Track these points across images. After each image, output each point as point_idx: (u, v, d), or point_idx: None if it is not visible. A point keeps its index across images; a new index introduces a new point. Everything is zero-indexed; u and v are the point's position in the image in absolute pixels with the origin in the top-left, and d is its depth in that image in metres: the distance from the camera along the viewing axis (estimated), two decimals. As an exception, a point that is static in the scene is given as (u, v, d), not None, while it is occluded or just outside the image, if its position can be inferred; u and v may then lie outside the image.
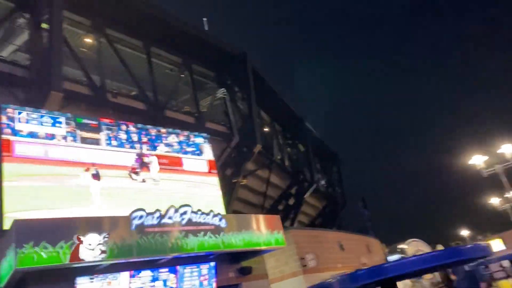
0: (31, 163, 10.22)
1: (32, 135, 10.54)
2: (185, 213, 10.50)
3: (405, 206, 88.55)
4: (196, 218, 10.64)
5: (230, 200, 19.75)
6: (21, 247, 7.78)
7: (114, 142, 12.09)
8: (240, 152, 20.40)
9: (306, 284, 14.91)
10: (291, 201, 27.63)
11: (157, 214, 9.96)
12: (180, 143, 13.82)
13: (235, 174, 20.32)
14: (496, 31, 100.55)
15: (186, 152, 13.84)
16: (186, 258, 11.02)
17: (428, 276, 17.12)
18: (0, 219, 9.31)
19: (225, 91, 21.19)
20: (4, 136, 10.11)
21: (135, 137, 12.66)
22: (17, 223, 8.13)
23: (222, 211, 13.56)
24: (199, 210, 10.80)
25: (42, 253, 7.97)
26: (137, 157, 12.44)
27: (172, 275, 11.06)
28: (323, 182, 34.64)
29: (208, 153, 14.55)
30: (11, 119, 10.38)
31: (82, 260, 8.44)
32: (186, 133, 14.26)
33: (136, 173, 12.15)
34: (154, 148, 13.04)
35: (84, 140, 11.44)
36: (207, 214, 10.92)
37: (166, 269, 10.94)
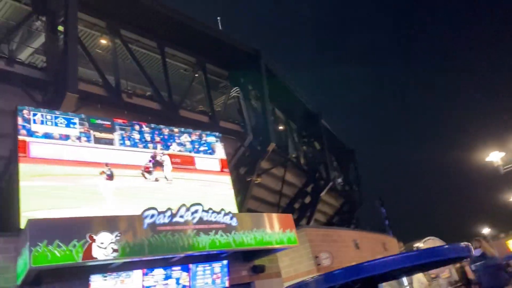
0: (46, 164, 10.47)
1: (47, 136, 10.79)
2: (196, 211, 10.60)
3: (423, 204, 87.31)
4: (207, 216, 10.74)
5: (244, 198, 19.81)
6: (35, 246, 7.99)
7: (127, 142, 12.28)
8: (254, 151, 20.39)
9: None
10: (307, 200, 27.48)
11: (169, 213, 10.08)
12: (192, 142, 13.94)
13: (249, 173, 20.33)
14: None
15: (198, 151, 13.96)
16: (198, 256, 11.13)
17: (445, 275, 16.90)
18: (17, 219, 9.57)
19: (238, 89, 21.23)
20: (20, 137, 10.38)
21: (148, 137, 12.84)
22: (31, 222, 8.34)
23: (234, 209, 13.65)
24: (210, 208, 10.89)
25: (56, 252, 8.17)
26: (151, 157, 12.60)
27: (184, 273, 11.19)
28: (339, 180, 34.38)
29: (220, 152, 14.64)
30: (27, 120, 10.65)
31: (95, 258, 8.62)
32: (198, 132, 14.38)
33: (149, 172, 12.32)
34: (167, 147, 13.19)
35: (98, 140, 11.66)
36: (218, 212, 11.01)
37: (179, 267, 11.08)
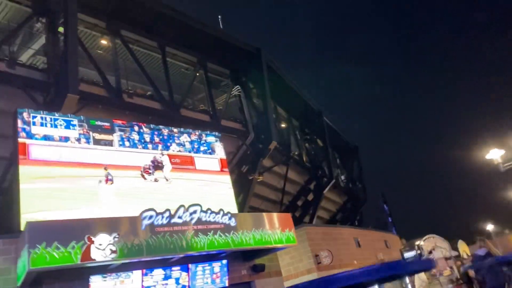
0: (46, 166, 10.57)
1: (46, 138, 10.88)
2: (194, 212, 10.67)
3: (427, 201, 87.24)
4: (205, 217, 10.81)
5: (247, 197, 19.88)
6: (34, 248, 8.10)
7: (127, 143, 12.36)
8: (256, 149, 20.44)
9: (320, 281, 14.92)
10: (310, 197, 27.53)
11: (167, 214, 10.16)
12: (192, 142, 14.01)
13: (251, 171, 20.39)
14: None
15: (198, 151, 14.02)
16: (198, 256, 11.20)
17: (447, 273, 16.89)
18: (18, 220, 9.68)
19: (239, 88, 21.26)
20: (20, 140, 10.48)
21: (147, 138, 12.91)
22: (29, 225, 8.45)
23: (234, 209, 13.72)
24: (208, 209, 10.96)
25: (54, 254, 8.27)
26: (151, 161, 12.65)
27: (184, 273, 11.28)
28: (343, 177, 34.39)
29: (220, 151, 14.70)
30: (27, 122, 10.74)
31: (93, 260, 8.71)
32: (198, 132, 14.44)
33: (149, 173, 12.39)
34: (167, 147, 13.26)
35: (97, 142, 11.74)
36: (217, 213, 11.07)
37: (178, 268, 11.18)
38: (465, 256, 17.33)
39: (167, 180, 12.64)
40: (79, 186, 10.86)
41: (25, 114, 10.85)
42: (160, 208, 10.27)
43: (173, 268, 11.09)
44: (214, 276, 11.90)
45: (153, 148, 12.88)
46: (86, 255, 8.65)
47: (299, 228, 16.56)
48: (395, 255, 19.14)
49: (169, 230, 10.06)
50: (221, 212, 11.17)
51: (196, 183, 13.36)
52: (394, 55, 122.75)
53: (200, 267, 11.61)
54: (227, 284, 12.11)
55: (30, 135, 10.64)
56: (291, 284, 14.60)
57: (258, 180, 20.80)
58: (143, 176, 12.23)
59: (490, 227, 44.85)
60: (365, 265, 17.26)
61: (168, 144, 13.35)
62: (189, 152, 13.78)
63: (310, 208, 27.22)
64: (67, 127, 11.36)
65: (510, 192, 26.70)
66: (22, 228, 9.16)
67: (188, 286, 11.27)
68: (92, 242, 8.80)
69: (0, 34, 14.56)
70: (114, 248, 9.02)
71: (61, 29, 14.43)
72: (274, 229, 12.22)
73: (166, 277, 10.94)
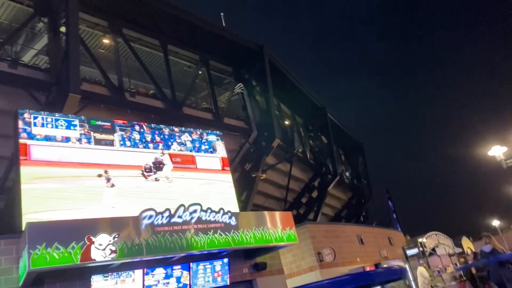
0: (47, 166, 10.63)
1: (47, 138, 10.94)
2: (194, 211, 10.71)
3: (432, 197, 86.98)
4: (205, 216, 10.84)
5: (250, 195, 19.88)
6: (34, 249, 8.17)
7: (128, 143, 12.40)
8: (259, 147, 20.43)
9: (322, 278, 14.93)
10: (315, 194, 27.49)
11: (167, 214, 10.20)
12: (193, 141, 14.02)
13: (255, 169, 20.39)
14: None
15: (199, 150, 14.04)
16: (199, 255, 11.25)
17: (450, 270, 16.82)
18: (19, 221, 9.77)
19: (242, 86, 21.23)
20: (21, 141, 10.55)
21: (148, 137, 12.94)
22: (30, 225, 8.52)
23: (236, 207, 13.74)
24: (208, 208, 10.99)
25: (54, 254, 8.34)
26: (152, 163, 12.68)
27: (185, 272, 11.33)
28: (347, 173, 34.29)
29: (221, 150, 14.71)
30: (28, 123, 10.81)
31: (93, 260, 8.78)
32: (199, 131, 14.45)
33: (150, 172, 12.43)
34: (168, 147, 13.29)
35: (98, 142, 11.79)
36: (217, 212, 11.10)
37: (179, 266, 11.23)
38: (469, 252, 17.23)
39: (168, 179, 12.67)
40: (81, 186, 10.92)
41: (26, 115, 10.91)
42: (161, 207, 10.33)
43: (174, 267, 11.14)
44: (216, 274, 11.94)
45: (154, 148, 12.92)
46: (86, 255, 8.71)
47: (301, 226, 16.58)
48: (399, 252, 19.10)
49: (169, 229, 10.11)
50: (221, 211, 11.19)
51: (198, 182, 13.39)
52: (397, 53, 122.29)
53: (201, 266, 11.66)
54: (228, 283, 12.15)
55: (31, 136, 10.70)
56: (294, 282, 14.62)
57: (262, 178, 20.80)
58: (144, 175, 12.27)
59: (496, 223, 44.69)
60: (368, 262, 17.28)
61: (169, 143, 13.37)
62: (190, 151, 13.80)
63: (315, 205, 27.17)
64: (68, 127, 11.42)
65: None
66: (23, 228, 9.24)
67: (190, 285, 11.32)
68: (92, 242, 8.86)
69: (2, 34, 14.66)
70: (114, 248, 9.07)
71: (63, 29, 14.46)
72: (275, 227, 12.23)
73: (167, 276, 10.99)
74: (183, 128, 14.14)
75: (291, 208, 25.21)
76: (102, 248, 8.92)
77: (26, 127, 10.72)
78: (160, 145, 13.09)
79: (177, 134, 13.75)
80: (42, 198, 10.17)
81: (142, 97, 16.87)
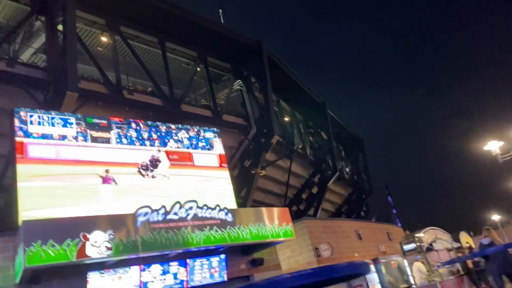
0: (43, 164, 10.71)
1: (44, 136, 11.02)
2: (190, 208, 10.78)
3: (432, 192, 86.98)
4: (201, 213, 10.92)
5: (250, 191, 19.92)
6: (30, 246, 8.26)
7: (124, 140, 12.46)
8: (258, 144, 20.45)
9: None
10: (315, 190, 27.51)
11: (162, 211, 10.27)
12: (190, 138, 14.08)
13: (254, 165, 20.42)
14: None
15: (196, 147, 14.09)
16: (196, 251, 11.32)
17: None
18: (16, 218, 9.85)
19: (241, 82, 21.24)
20: (17, 139, 10.62)
21: (145, 134, 13.00)
22: (25, 223, 8.61)
23: (233, 204, 13.80)
24: (204, 205, 11.06)
25: (50, 251, 8.43)
26: (149, 160, 12.74)
27: (182, 268, 11.43)
28: (347, 169, 34.29)
29: (219, 147, 14.76)
30: (24, 121, 10.88)
31: (89, 257, 8.86)
32: (196, 128, 14.50)
33: (146, 170, 12.50)
34: (165, 144, 13.35)
35: (94, 140, 11.86)
36: (213, 208, 11.17)
37: (176, 263, 11.32)
38: (465, 246, 17.26)
39: (165, 176, 12.73)
40: (77, 184, 11.00)
41: (22, 113, 10.99)
42: (158, 204, 10.40)
43: (171, 264, 11.24)
44: (213, 270, 12.03)
45: (150, 145, 12.98)
46: (82, 252, 8.80)
47: (298, 221, 16.62)
48: (398, 247, 19.12)
49: (165, 226, 10.19)
50: (217, 208, 11.26)
51: (195, 179, 13.45)
52: (397, 52, 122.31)
53: (198, 262, 11.74)
54: (225, 279, 12.23)
55: (27, 134, 10.77)
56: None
57: (261, 174, 20.84)
58: (140, 173, 12.34)
59: (496, 217, 44.75)
60: (366, 257, 17.31)
61: (166, 140, 13.43)
62: (188, 148, 13.86)
63: (315, 201, 27.21)
64: (64, 125, 11.49)
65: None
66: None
67: (187, 281, 11.41)
68: (87, 239, 8.94)
69: (0, 33, 14.72)
70: (109, 245, 9.16)
71: (60, 27, 14.52)
72: (272, 223, 12.29)
73: (164, 272, 11.09)
74: (180, 125, 14.19)
75: (291, 204, 25.26)
76: (97, 245, 9.00)
77: (22, 126, 10.79)
78: (157, 142, 13.15)
79: (174, 131, 13.81)
80: (39, 196, 10.25)
81: (140, 95, 16.89)
